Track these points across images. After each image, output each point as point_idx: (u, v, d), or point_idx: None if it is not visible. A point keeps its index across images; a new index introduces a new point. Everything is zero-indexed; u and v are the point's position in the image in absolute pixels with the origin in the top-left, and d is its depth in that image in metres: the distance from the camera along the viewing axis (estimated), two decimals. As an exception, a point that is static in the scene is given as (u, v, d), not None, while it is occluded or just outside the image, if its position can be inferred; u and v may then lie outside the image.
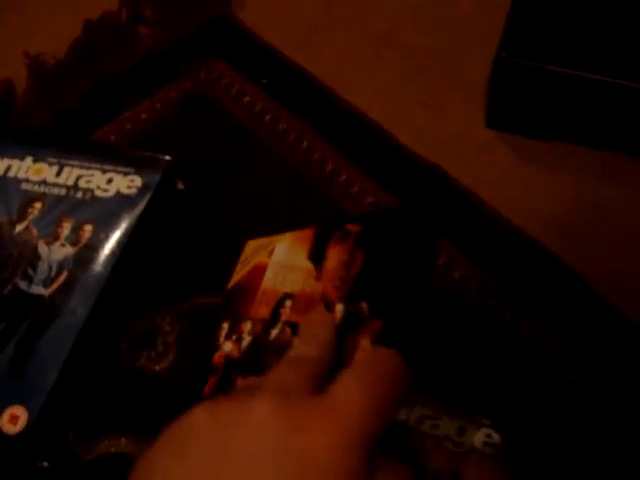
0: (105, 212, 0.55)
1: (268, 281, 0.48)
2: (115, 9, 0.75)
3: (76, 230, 0.55)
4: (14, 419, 0.48)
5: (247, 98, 0.68)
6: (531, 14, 0.60)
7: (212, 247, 0.58)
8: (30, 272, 0.53)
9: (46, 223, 0.55)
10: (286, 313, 0.45)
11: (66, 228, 0.55)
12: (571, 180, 0.60)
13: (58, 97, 0.70)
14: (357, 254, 0.44)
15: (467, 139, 0.63)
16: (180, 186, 0.59)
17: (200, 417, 0.30)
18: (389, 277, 0.42)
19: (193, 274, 0.57)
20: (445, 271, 0.56)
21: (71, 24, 0.74)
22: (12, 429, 0.48)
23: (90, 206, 0.56)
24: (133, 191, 0.56)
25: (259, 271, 0.49)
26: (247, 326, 0.47)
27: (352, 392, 0.31)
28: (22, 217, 0.56)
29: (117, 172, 0.57)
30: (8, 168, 0.58)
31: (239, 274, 0.51)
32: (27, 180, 0.58)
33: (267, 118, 0.66)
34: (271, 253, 0.50)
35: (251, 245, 0.52)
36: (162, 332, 0.54)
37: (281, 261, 0.49)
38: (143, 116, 0.67)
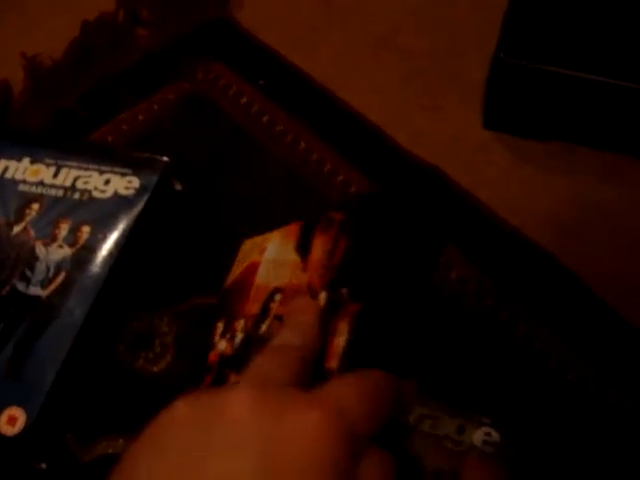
0: (103, 213, 0.55)
1: (260, 278, 0.48)
2: (112, 10, 0.75)
3: (74, 231, 0.54)
4: (12, 420, 0.48)
5: (244, 99, 0.68)
6: (528, 14, 0.60)
7: (209, 248, 0.58)
8: (28, 273, 0.53)
9: (44, 224, 0.55)
10: (275, 307, 0.45)
11: (64, 229, 0.55)
12: (568, 180, 0.60)
13: (55, 98, 0.70)
14: (340, 241, 0.44)
15: (464, 140, 0.64)
16: (178, 187, 0.59)
17: (181, 411, 0.30)
18: (370, 261, 0.42)
19: (191, 275, 0.57)
20: (443, 271, 0.56)
21: (69, 25, 0.74)
22: (10, 430, 0.47)
23: (88, 207, 0.56)
24: (131, 192, 0.56)
25: (252, 269, 0.50)
26: (240, 324, 0.47)
27: (344, 390, 0.31)
28: (20, 218, 0.56)
29: (114, 173, 0.57)
30: (5, 169, 0.58)
31: (234, 274, 0.52)
32: (24, 181, 0.57)
33: (264, 119, 0.66)
34: (263, 251, 0.50)
35: (247, 244, 0.52)
36: (160, 333, 0.54)
37: (272, 257, 0.49)
38: (140, 117, 0.67)
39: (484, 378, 0.51)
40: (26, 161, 0.58)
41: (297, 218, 0.49)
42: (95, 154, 0.59)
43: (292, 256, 0.47)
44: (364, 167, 0.62)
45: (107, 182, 0.56)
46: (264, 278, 0.48)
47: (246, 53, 0.71)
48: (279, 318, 0.44)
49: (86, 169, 0.57)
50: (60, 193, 0.56)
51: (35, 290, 0.53)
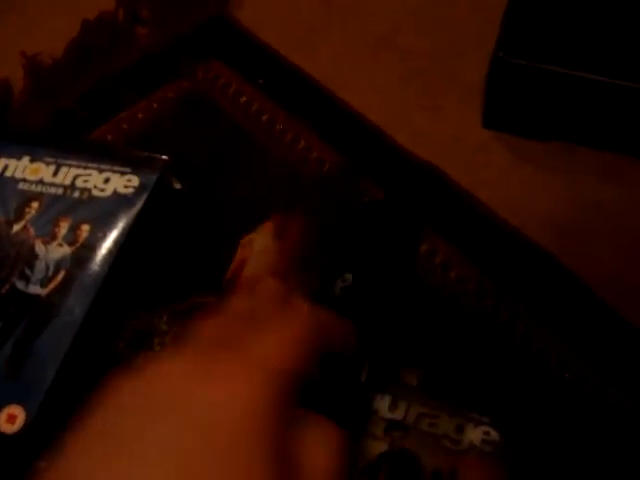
0: (102, 212, 0.55)
1: (247, 270, 0.49)
2: (112, 9, 0.75)
3: (73, 230, 0.54)
4: (12, 419, 0.48)
5: (244, 98, 0.68)
6: (528, 14, 0.60)
7: (209, 247, 0.58)
8: (27, 272, 0.53)
9: (43, 223, 0.55)
10: None
11: (63, 228, 0.55)
12: (568, 180, 0.60)
13: (55, 97, 0.70)
14: (310, 222, 0.45)
15: (464, 140, 0.64)
16: (177, 186, 0.59)
17: (121, 385, 0.29)
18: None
19: (190, 274, 0.57)
20: (442, 271, 0.56)
21: (68, 24, 0.74)
22: (10, 429, 0.48)
23: (87, 206, 0.56)
24: (130, 191, 0.56)
25: (242, 264, 0.51)
26: None
27: (269, 345, 0.29)
28: (19, 217, 0.56)
29: (114, 172, 0.57)
30: (5, 168, 0.58)
31: (230, 272, 0.52)
32: (24, 180, 0.57)
33: (264, 118, 0.66)
34: (252, 244, 0.51)
35: (244, 241, 0.53)
36: (159, 332, 0.54)
37: (257, 249, 0.51)
38: (140, 116, 0.67)
39: (484, 378, 0.50)
40: (26, 160, 0.58)
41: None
42: (95, 153, 0.58)
43: (271, 244, 0.48)
44: (364, 166, 0.62)
45: (107, 181, 0.56)
46: (250, 269, 0.49)
47: (246, 52, 0.71)
48: None
49: (85, 168, 0.57)
50: (60, 192, 0.56)
51: (35, 289, 0.53)
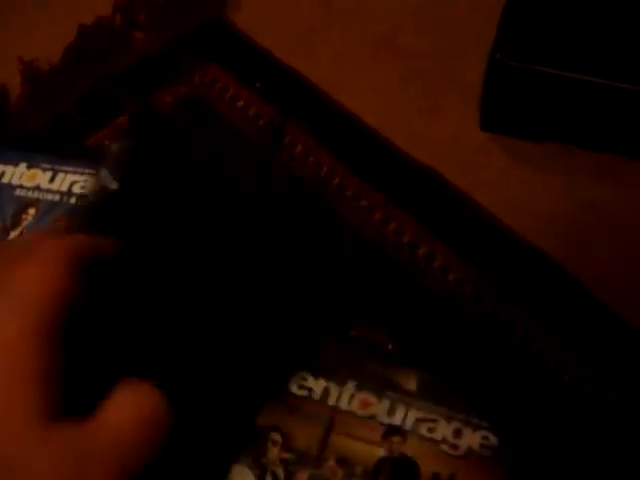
0: (99, 218, 0.55)
1: None
2: (109, 14, 0.75)
3: (71, 236, 0.54)
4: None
5: (241, 102, 0.68)
6: (525, 16, 0.60)
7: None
8: (25, 278, 0.53)
9: (40, 229, 0.55)
10: None
11: (61, 234, 0.55)
12: (566, 181, 0.60)
13: (53, 102, 0.70)
14: None
15: (463, 141, 0.63)
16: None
17: None
18: None
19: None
20: (441, 274, 0.56)
21: (66, 29, 0.74)
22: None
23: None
24: (128, 196, 0.56)
25: None
26: None
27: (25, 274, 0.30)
28: (16, 223, 0.56)
29: (111, 177, 0.57)
30: (2, 174, 0.58)
31: None
32: (21, 186, 0.57)
33: (261, 122, 0.66)
34: None
35: None
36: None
37: None
38: (138, 121, 0.67)
39: (483, 380, 0.50)
40: (23, 166, 0.58)
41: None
42: (91, 159, 0.58)
43: None
44: (362, 169, 0.62)
45: (104, 186, 0.56)
46: None
47: (243, 56, 0.71)
48: None
49: (82, 174, 0.57)
50: (56, 198, 0.56)
51: (32, 295, 0.53)
